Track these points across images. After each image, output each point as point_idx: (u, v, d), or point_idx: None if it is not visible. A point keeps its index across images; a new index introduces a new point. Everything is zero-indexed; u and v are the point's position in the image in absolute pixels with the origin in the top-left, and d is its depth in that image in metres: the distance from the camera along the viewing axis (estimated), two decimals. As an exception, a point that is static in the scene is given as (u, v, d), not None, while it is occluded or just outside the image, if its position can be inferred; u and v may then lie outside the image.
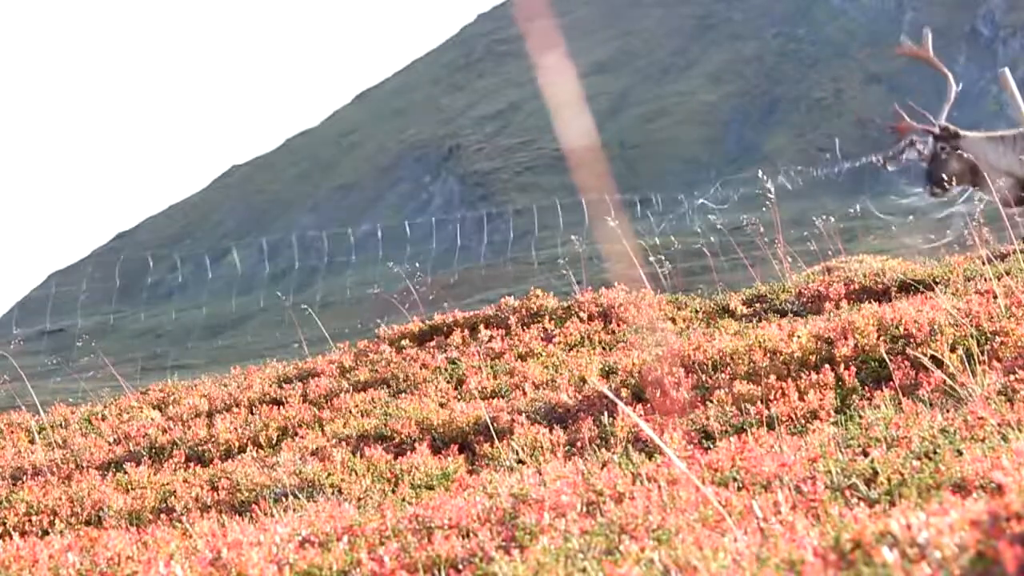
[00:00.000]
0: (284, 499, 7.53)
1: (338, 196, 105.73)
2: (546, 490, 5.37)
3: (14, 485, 8.73)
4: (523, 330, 11.77)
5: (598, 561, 4.48)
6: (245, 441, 9.41)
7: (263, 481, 7.85)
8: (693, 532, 4.54)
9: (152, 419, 10.84)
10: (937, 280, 11.12)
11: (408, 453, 8.18)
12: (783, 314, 11.47)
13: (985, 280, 10.25)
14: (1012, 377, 6.79)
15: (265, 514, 7.14)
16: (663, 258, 16.42)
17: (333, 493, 7.57)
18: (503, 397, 9.44)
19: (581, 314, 12.01)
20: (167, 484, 8.19)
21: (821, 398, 7.50)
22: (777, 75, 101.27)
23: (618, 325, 11.71)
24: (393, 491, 7.53)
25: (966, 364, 7.53)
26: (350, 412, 9.83)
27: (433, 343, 12.06)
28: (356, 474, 7.84)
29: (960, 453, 5.16)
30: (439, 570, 4.84)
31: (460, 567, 4.80)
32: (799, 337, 8.52)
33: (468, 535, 5.10)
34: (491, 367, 10.59)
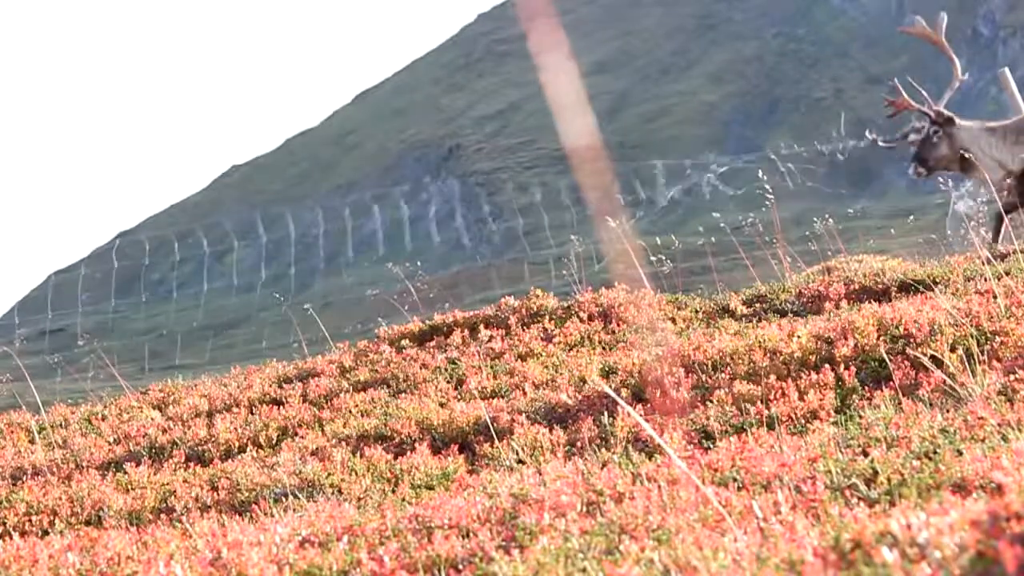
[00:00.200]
0: (284, 499, 7.53)
1: (338, 196, 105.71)
2: (546, 490, 5.37)
3: (14, 485, 8.73)
4: (523, 330, 11.77)
5: (598, 561, 4.48)
6: (245, 441, 9.41)
7: (263, 481, 7.85)
8: (693, 532, 4.54)
9: (152, 419, 10.84)
10: (937, 280, 11.11)
11: (408, 453, 8.18)
12: (783, 314, 11.46)
13: (985, 280, 10.25)
14: (1012, 377, 6.79)
15: (265, 514, 7.14)
16: (663, 258, 16.43)
17: (333, 493, 7.57)
18: (503, 397, 9.44)
19: (581, 314, 12.01)
20: (167, 484, 8.19)
21: (821, 398, 7.50)
22: (777, 75, 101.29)
23: (618, 325, 11.71)
24: (393, 491, 7.53)
25: (966, 364, 7.53)
26: (350, 412, 9.83)
27: (433, 343, 12.06)
28: (356, 474, 7.84)
29: (960, 453, 5.16)
30: (439, 570, 4.84)
31: (460, 567, 4.80)
32: (799, 337, 8.52)
33: (468, 535, 5.10)
34: (491, 367, 10.58)
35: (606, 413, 7.91)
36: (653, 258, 16.47)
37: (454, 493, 6.44)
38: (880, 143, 15.17)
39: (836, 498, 4.90)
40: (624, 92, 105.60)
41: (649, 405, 8.12)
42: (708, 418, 7.52)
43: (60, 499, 8.01)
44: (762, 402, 7.63)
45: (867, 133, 15.81)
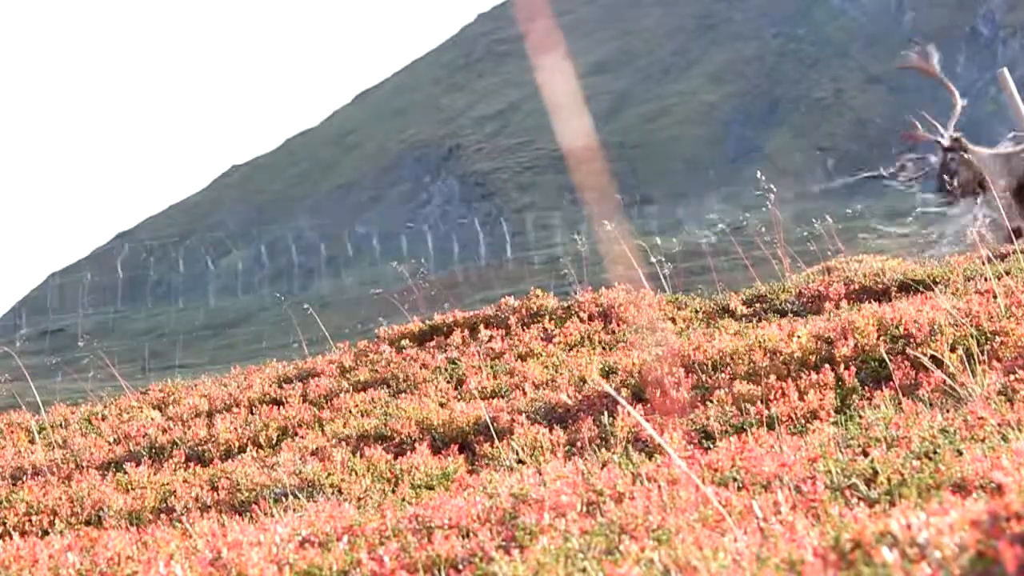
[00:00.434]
0: (284, 499, 7.53)
1: (338, 196, 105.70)
2: (546, 490, 5.37)
3: (14, 485, 8.73)
4: (523, 330, 11.77)
5: (598, 561, 4.48)
6: (245, 441, 9.41)
7: (263, 481, 7.85)
8: (693, 532, 4.54)
9: (152, 419, 10.84)
10: (937, 280, 11.12)
11: (408, 453, 8.18)
12: (783, 314, 11.47)
13: (985, 280, 10.25)
14: (1012, 377, 6.79)
15: (265, 514, 7.14)
16: (663, 258, 16.43)
17: (333, 493, 7.57)
18: (503, 397, 9.44)
19: (581, 314, 12.01)
20: (167, 484, 8.19)
21: (821, 398, 7.50)
22: (777, 75, 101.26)
23: (618, 325, 11.71)
24: (393, 491, 7.53)
25: (966, 364, 7.53)
26: (350, 412, 9.83)
27: (433, 343, 12.07)
28: (356, 474, 7.84)
29: (960, 453, 5.16)
30: (439, 570, 4.84)
31: (460, 567, 4.80)
32: (799, 337, 8.52)
33: (468, 535, 5.10)
34: (491, 367, 10.59)
35: (606, 413, 7.91)
36: (653, 259, 16.47)
37: (454, 493, 6.44)
38: (893, 178, 15.56)
39: (836, 498, 4.90)
40: (624, 92, 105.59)
41: (649, 405, 8.12)
42: (708, 418, 7.52)
43: (60, 499, 8.01)
44: (762, 402, 7.63)
45: (883, 172, 16.19)
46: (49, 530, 7.70)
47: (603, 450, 7.26)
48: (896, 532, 3.45)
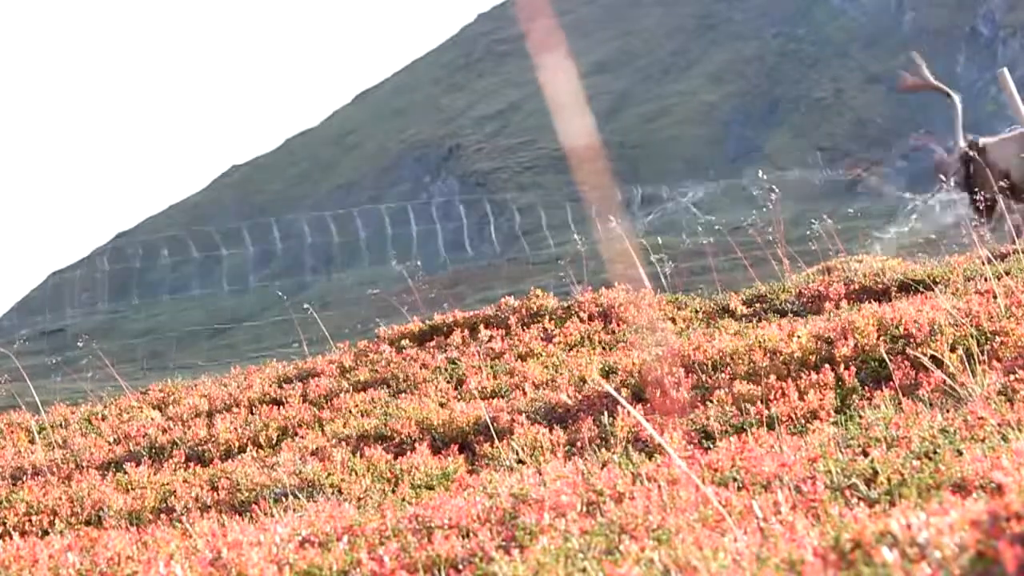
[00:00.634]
0: (284, 499, 7.53)
1: (338, 196, 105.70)
2: (546, 490, 5.37)
3: (14, 485, 8.74)
4: (523, 330, 11.77)
5: (598, 561, 4.48)
6: (245, 441, 9.41)
7: (263, 481, 7.86)
8: (693, 532, 4.54)
9: (152, 419, 10.85)
10: (937, 280, 11.12)
11: (408, 453, 8.18)
12: (783, 314, 11.47)
13: (985, 280, 10.25)
14: (1012, 377, 6.79)
15: (265, 514, 7.14)
16: (663, 258, 16.43)
17: (333, 493, 7.57)
18: (503, 397, 9.44)
19: (581, 314, 12.02)
20: (167, 484, 8.20)
21: (821, 398, 7.50)
22: (777, 75, 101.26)
23: (618, 325, 11.71)
24: (393, 491, 7.53)
25: (966, 364, 7.53)
26: (350, 412, 9.84)
27: (433, 343, 12.07)
28: (356, 474, 7.84)
29: (960, 453, 5.16)
30: (439, 570, 4.84)
31: (460, 567, 4.80)
32: (799, 337, 8.53)
33: (468, 535, 5.10)
34: (491, 367, 10.59)
35: (606, 413, 7.91)
36: (653, 258, 16.47)
37: (454, 493, 6.44)
38: (947, 189, 15.66)
39: (836, 498, 4.90)
40: (624, 92, 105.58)
41: (649, 405, 8.12)
42: (708, 418, 7.52)
43: (60, 499, 8.02)
44: (762, 402, 7.63)
45: (937, 193, 16.48)
46: (49, 530, 7.70)
47: (603, 450, 7.26)
48: (896, 532, 3.45)
